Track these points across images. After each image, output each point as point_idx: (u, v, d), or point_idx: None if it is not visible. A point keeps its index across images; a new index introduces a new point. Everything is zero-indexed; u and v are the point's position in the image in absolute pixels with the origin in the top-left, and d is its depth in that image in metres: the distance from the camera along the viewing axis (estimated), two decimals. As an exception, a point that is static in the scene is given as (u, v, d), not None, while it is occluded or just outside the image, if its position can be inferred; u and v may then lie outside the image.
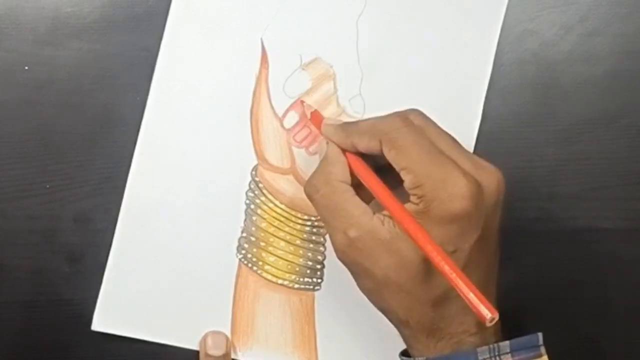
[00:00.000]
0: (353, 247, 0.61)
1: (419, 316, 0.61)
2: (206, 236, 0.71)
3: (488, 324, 0.55)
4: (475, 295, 0.56)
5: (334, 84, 0.71)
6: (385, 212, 0.61)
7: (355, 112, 0.71)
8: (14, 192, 0.70)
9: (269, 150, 0.71)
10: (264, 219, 0.72)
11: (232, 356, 0.72)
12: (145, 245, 0.71)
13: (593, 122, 0.73)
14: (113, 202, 0.71)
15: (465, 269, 0.59)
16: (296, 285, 0.72)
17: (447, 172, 0.60)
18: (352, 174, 0.64)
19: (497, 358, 0.60)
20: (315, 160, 0.70)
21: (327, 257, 0.72)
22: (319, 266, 0.72)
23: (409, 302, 0.61)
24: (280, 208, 0.72)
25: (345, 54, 0.71)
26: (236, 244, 0.72)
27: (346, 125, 0.65)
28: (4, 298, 0.71)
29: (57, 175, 0.71)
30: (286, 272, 0.72)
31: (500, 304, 0.60)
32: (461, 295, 0.56)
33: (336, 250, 0.63)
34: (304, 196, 0.66)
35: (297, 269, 0.72)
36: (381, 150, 0.62)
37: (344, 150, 0.64)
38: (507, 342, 0.60)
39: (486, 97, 0.72)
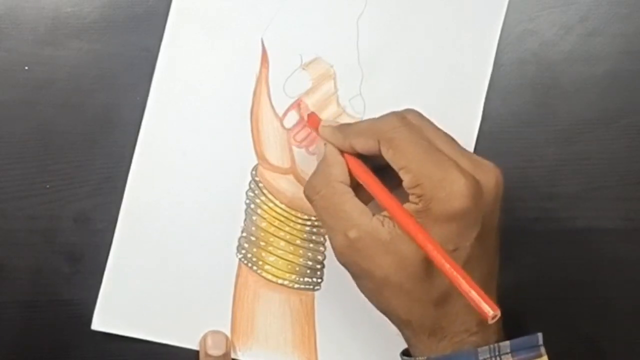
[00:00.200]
0: (353, 249, 0.61)
1: (421, 316, 0.61)
2: (206, 236, 0.71)
3: (490, 322, 0.55)
4: (477, 292, 0.56)
5: (334, 83, 0.71)
6: (384, 213, 0.61)
7: (356, 112, 0.71)
8: (14, 192, 0.70)
9: (269, 150, 0.71)
10: (264, 218, 0.72)
11: (232, 356, 0.72)
12: (145, 245, 0.71)
13: (593, 122, 0.73)
14: (113, 202, 0.71)
15: (466, 267, 0.59)
16: (296, 285, 0.72)
17: (446, 170, 0.60)
18: (350, 175, 0.64)
19: (498, 358, 0.60)
20: (316, 160, 0.70)
21: (327, 257, 0.72)
22: (319, 266, 0.72)
23: (410, 302, 0.61)
24: (280, 208, 0.72)
25: (346, 54, 0.71)
26: (236, 243, 0.72)
27: (344, 127, 0.65)
28: (4, 298, 0.71)
29: (57, 175, 0.71)
30: (286, 272, 0.72)
31: (500, 304, 0.60)
32: (463, 293, 0.56)
33: (336, 252, 0.63)
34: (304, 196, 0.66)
35: (297, 268, 0.72)
36: (379, 150, 0.62)
37: (342, 152, 0.64)
38: (507, 342, 0.60)
39: (486, 97, 0.72)
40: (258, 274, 0.72)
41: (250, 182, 0.72)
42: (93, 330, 0.71)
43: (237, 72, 0.71)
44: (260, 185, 0.71)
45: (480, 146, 0.72)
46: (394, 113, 0.63)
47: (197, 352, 0.72)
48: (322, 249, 0.72)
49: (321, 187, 0.63)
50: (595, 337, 0.74)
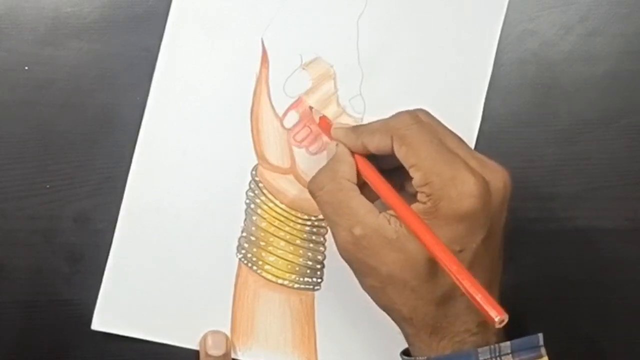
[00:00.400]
0: (358, 245, 0.61)
1: (423, 314, 0.61)
2: (206, 236, 0.71)
3: (498, 326, 0.55)
4: (484, 297, 0.56)
5: (334, 83, 0.71)
6: (390, 212, 0.61)
7: (356, 112, 0.71)
8: (14, 192, 0.70)
9: (269, 150, 0.71)
10: (264, 218, 0.72)
11: (232, 356, 0.72)
12: (145, 245, 0.71)
13: (593, 122, 0.73)
14: (113, 202, 0.71)
15: (471, 268, 0.59)
16: (296, 285, 0.72)
17: (456, 170, 0.60)
18: (358, 175, 0.64)
19: (498, 358, 0.60)
20: (316, 160, 0.70)
21: (327, 257, 0.72)
22: (318, 266, 0.72)
23: (414, 300, 0.61)
24: (281, 208, 0.72)
25: (346, 54, 0.71)
26: (236, 243, 0.72)
27: (357, 127, 0.66)
28: (4, 298, 0.71)
29: (57, 175, 0.71)
30: (286, 271, 0.72)
31: (500, 304, 0.60)
32: (470, 298, 0.56)
33: (339, 248, 0.63)
34: (304, 196, 0.66)
35: (297, 268, 0.72)
36: (392, 148, 0.62)
37: (353, 154, 0.65)
38: (507, 343, 0.60)
39: (486, 97, 0.72)
40: (258, 274, 0.72)
41: (250, 182, 0.72)
42: (93, 330, 0.71)
43: (237, 72, 0.71)
44: (260, 185, 0.71)
45: (480, 146, 0.72)
46: (407, 111, 0.64)
47: (197, 352, 0.72)
48: (322, 249, 0.72)
49: (326, 183, 0.63)
50: (595, 337, 0.74)
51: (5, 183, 0.70)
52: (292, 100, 0.71)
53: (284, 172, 0.72)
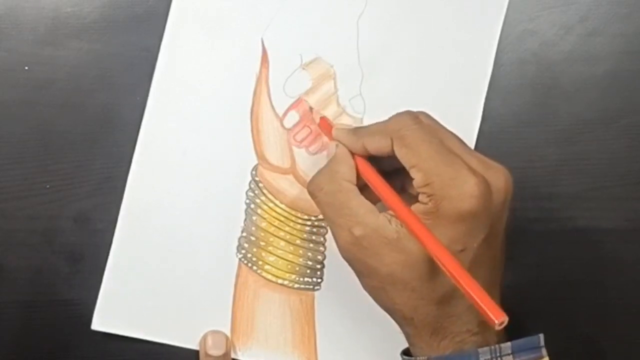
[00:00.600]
0: (358, 246, 0.61)
1: (424, 314, 0.61)
2: (206, 236, 0.71)
3: (497, 328, 0.55)
4: (484, 299, 0.55)
5: (334, 83, 0.71)
6: (391, 212, 0.61)
7: (356, 112, 0.71)
8: (14, 192, 0.70)
9: (269, 150, 0.71)
10: (264, 218, 0.72)
11: (232, 356, 0.72)
12: (145, 245, 0.71)
13: (593, 122, 0.73)
14: (113, 202, 0.71)
15: (472, 268, 0.59)
16: (296, 285, 0.72)
17: (457, 170, 0.60)
18: (358, 177, 0.64)
19: (499, 359, 0.60)
20: (316, 160, 0.70)
21: (327, 257, 0.72)
22: (318, 266, 0.72)
23: (415, 299, 0.61)
24: (281, 208, 0.72)
25: (346, 54, 0.71)
26: (236, 243, 0.72)
27: (357, 129, 0.66)
28: (3, 298, 0.71)
29: (57, 175, 0.71)
30: (286, 271, 0.72)
31: (500, 304, 0.60)
32: (470, 300, 0.56)
33: (340, 249, 0.63)
34: (304, 196, 0.66)
35: (297, 268, 0.72)
36: (392, 149, 0.62)
37: (353, 155, 0.65)
38: (508, 344, 0.60)
39: (486, 97, 0.72)
40: (258, 273, 0.72)
41: (250, 182, 0.72)
42: (93, 330, 0.71)
43: (237, 72, 0.71)
44: (260, 185, 0.71)
45: (480, 146, 0.72)
46: (407, 112, 0.64)
47: (197, 352, 0.72)
48: (322, 249, 0.72)
49: (326, 184, 0.63)
50: (595, 337, 0.74)
51: (5, 183, 0.70)
52: (292, 100, 0.71)
53: (284, 172, 0.72)
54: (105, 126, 0.71)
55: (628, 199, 0.74)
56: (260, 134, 0.71)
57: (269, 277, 0.72)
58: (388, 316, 0.64)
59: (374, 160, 0.64)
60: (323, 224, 0.72)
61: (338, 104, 0.72)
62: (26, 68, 0.70)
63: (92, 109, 0.70)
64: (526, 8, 0.72)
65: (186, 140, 0.71)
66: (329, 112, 0.71)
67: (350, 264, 0.63)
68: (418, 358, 0.62)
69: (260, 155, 0.71)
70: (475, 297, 0.56)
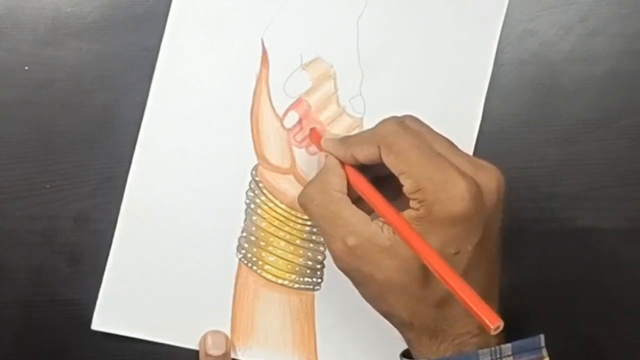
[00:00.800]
0: (353, 255, 0.61)
1: (423, 318, 0.61)
2: (206, 236, 0.71)
3: (493, 332, 0.55)
4: (479, 305, 0.55)
5: (335, 83, 0.71)
6: (383, 220, 0.61)
7: (356, 112, 0.71)
8: (14, 192, 0.70)
9: (269, 150, 0.71)
10: (264, 218, 0.72)
11: (232, 356, 0.72)
12: (145, 245, 0.71)
13: (593, 122, 0.73)
14: (113, 202, 0.71)
15: (468, 271, 0.59)
16: (296, 285, 0.72)
17: (447, 174, 0.60)
18: (351, 188, 0.64)
19: (499, 360, 0.60)
20: (316, 160, 0.70)
21: (327, 257, 0.72)
22: (318, 266, 0.72)
23: (413, 303, 0.61)
24: (281, 208, 0.72)
25: (346, 54, 0.71)
26: (236, 243, 0.72)
27: (345, 138, 0.66)
28: (3, 298, 0.71)
29: (57, 175, 0.71)
30: (286, 271, 0.72)
31: (500, 304, 0.60)
32: (465, 306, 0.56)
33: (335, 259, 0.63)
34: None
35: (297, 268, 0.72)
36: (380, 156, 0.62)
37: (343, 165, 0.65)
38: (508, 345, 0.60)
39: (486, 97, 0.72)
40: (258, 273, 0.72)
41: (250, 182, 0.72)
42: (93, 330, 0.71)
43: (237, 72, 0.71)
44: (261, 185, 0.71)
45: (480, 146, 0.72)
46: (392, 118, 0.63)
47: (197, 352, 0.72)
48: (322, 248, 0.72)
49: (317, 195, 0.63)
50: (596, 337, 0.74)
51: (5, 183, 0.70)
52: (292, 100, 0.71)
53: (284, 172, 0.72)
54: (105, 126, 0.70)
55: (628, 199, 0.74)
56: (260, 134, 0.71)
57: (269, 277, 0.72)
58: (388, 317, 0.64)
59: (368, 167, 0.64)
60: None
61: (338, 104, 0.72)
62: (26, 68, 0.70)
63: (92, 109, 0.70)
64: (526, 8, 0.72)
65: (186, 140, 0.71)
66: (329, 112, 0.71)
67: (346, 274, 0.63)
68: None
69: (260, 155, 0.71)
70: (468, 302, 0.55)
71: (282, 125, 0.71)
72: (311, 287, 0.73)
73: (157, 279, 0.71)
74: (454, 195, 0.59)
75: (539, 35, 0.73)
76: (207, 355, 0.71)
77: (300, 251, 0.72)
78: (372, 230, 0.61)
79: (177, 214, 0.71)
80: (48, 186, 0.70)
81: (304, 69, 0.71)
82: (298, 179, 0.72)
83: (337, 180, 0.64)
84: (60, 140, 0.70)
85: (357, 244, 0.61)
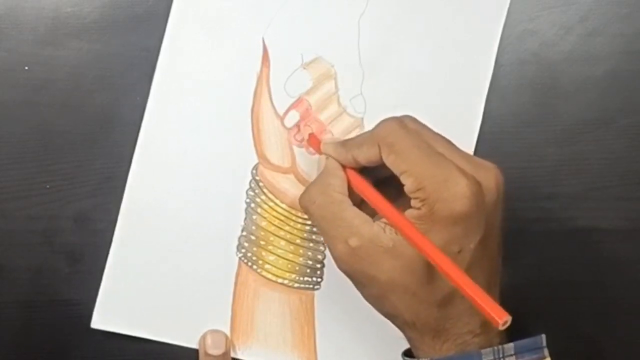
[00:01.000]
0: (355, 256, 0.61)
1: (425, 317, 0.61)
2: (206, 235, 0.71)
3: (501, 327, 0.55)
4: (486, 300, 0.56)
5: (335, 83, 0.71)
6: (385, 220, 0.61)
7: (357, 111, 0.71)
8: (14, 192, 0.70)
9: (269, 149, 0.71)
10: (264, 217, 0.72)
11: (232, 355, 0.72)
12: (145, 244, 0.71)
13: (593, 122, 0.73)
14: (113, 202, 0.71)
15: (470, 268, 0.59)
16: (296, 285, 0.73)
17: (447, 172, 0.60)
18: (353, 191, 0.64)
19: (502, 360, 0.60)
20: (316, 160, 0.70)
21: (327, 256, 0.72)
22: (319, 265, 0.72)
23: (415, 303, 0.61)
24: (281, 207, 0.72)
25: (347, 54, 0.71)
26: (236, 242, 0.72)
27: (345, 141, 0.66)
28: (3, 298, 0.71)
29: (57, 175, 0.70)
30: (286, 271, 0.72)
31: (500, 304, 0.60)
32: (471, 301, 0.56)
33: (337, 260, 0.63)
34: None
35: (297, 268, 0.72)
36: (381, 157, 0.62)
37: (344, 168, 0.65)
38: (511, 344, 0.60)
39: (486, 97, 0.72)
40: (258, 273, 0.72)
41: (250, 181, 0.71)
42: (93, 330, 0.71)
43: (237, 71, 0.71)
44: (261, 184, 0.71)
45: (480, 146, 0.72)
46: (392, 118, 0.63)
47: (196, 351, 0.72)
48: (322, 248, 0.72)
49: (318, 196, 0.64)
50: (596, 337, 0.74)
51: (5, 183, 0.70)
52: (293, 99, 0.71)
53: (285, 171, 0.72)
54: (105, 126, 0.70)
55: (628, 199, 0.74)
56: (261, 134, 0.71)
57: (269, 276, 0.72)
58: (388, 316, 0.64)
59: (367, 169, 0.64)
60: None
61: (339, 104, 0.72)
62: (26, 68, 0.70)
63: (92, 109, 0.70)
64: (526, 8, 0.72)
65: (186, 140, 0.71)
66: (330, 112, 0.71)
67: (348, 276, 0.63)
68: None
69: (260, 155, 0.71)
70: (476, 298, 0.56)
71: (283, 125, 0.71)
72: (311, 286, 0.73)
73: (157, 278, 0.71)
74: (456, 193, 0.59)
75: (539, 35, 0.73)
76: (206, 354, 0.71)
77: (300, 250, 0.72)
78: (374, 231, 0.61)
79: (177, 214, 0.71)
80: (48, 186, 0.70)
81: (304, 68, 0.71)
82: (298, 178, 0.72)
83: (337, 182, 0.64)
84: (60, 140, 0.70)
85: (359, 245, 0.61)
